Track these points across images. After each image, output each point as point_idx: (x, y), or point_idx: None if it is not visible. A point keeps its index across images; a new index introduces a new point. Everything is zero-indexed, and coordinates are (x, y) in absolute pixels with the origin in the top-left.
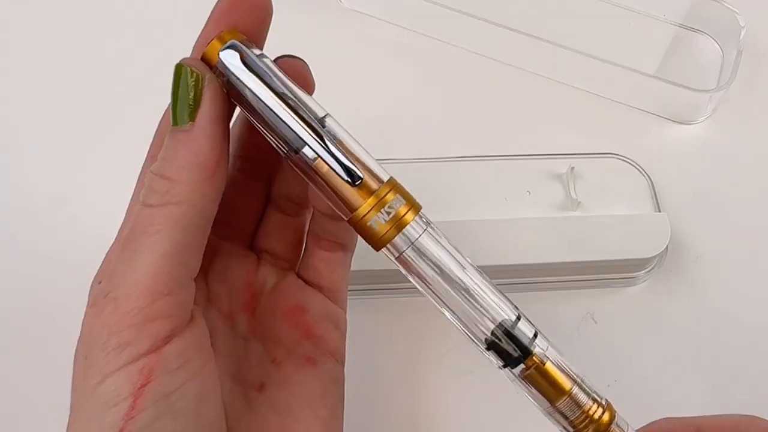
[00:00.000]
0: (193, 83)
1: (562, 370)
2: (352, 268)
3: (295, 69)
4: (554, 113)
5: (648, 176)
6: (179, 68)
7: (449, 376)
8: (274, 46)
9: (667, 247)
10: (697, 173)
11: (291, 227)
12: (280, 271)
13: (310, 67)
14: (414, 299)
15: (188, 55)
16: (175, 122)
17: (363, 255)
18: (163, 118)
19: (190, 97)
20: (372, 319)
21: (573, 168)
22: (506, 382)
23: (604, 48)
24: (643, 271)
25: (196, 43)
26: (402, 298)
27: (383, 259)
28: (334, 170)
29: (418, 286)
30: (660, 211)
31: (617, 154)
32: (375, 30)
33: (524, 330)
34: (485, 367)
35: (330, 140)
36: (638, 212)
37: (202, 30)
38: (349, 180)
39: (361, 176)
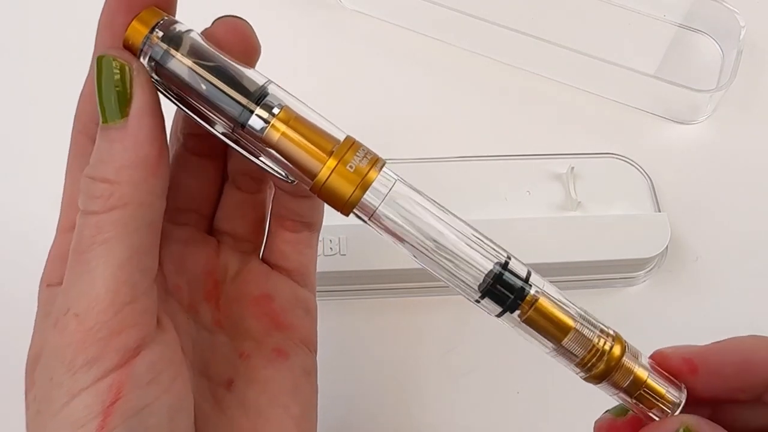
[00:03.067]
0: (119, 75)
1: (563, 306)
2: (350, 269)
3: (236, 30)
4: (555, 113)
5: (648, 176)
6: (101, 60)
7: (449, 376)
8: (275, 46)
9: (667, 247)
10: (697, 173)
11: (251, 205)
12: (243, 254)
13: (252, 27)
14: (414, 299)
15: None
16: (105, 120)
17: (362, 255)
18: (77, 115)
19: (119, 90)
20: (372, 319)
21: (573, 168)
22: (506, 381)
23: (604, 48)
24: (643, 271)
25: (100, 20)
26: (402, 298)
27: (382, 260)
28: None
29: (398, 245)
30: (660, 211)
31: (617, 154)
32: (375, 30)
33: (517, 270)
34: (485, 367)
35: (276, 105)
36: (638, 212)
37: (104, 7)
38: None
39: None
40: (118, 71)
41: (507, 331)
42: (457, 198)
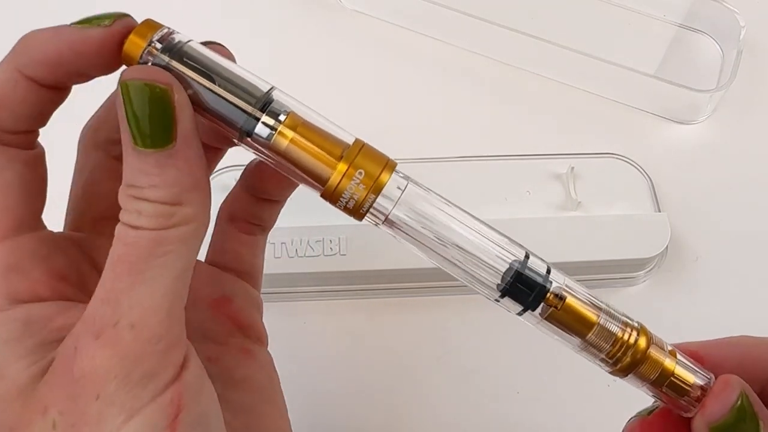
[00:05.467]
0: (159, 101)
1: (585, 301)
2: (350, 269)
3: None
4: (555, 113)
5: (648, 176)
6: (129, 87)
7: (449, 376)
8: (275, 45)
9: (667, 247)
10: (697, 173)
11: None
12: None
13: (230, 50)
14: (414, 299)
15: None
16: (147, 145)
17: (363, 256)
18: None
19: (160, 115)
20: (372, 319)
21: (573, 168)
22: (506, 381)
23: (604, 48)
24: (643, 271)
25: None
26: (402, 298)
27: (382, 260)
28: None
29: (413, 247)
30: (660, 211)
31: (617, 154)
32: (375, 30)
33: (536, 267)
34: (485, 367)
35: (282, 111)
36: (638, 212)
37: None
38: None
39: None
40: (158, 94)
41: (507, 331)
42: (457, 198)
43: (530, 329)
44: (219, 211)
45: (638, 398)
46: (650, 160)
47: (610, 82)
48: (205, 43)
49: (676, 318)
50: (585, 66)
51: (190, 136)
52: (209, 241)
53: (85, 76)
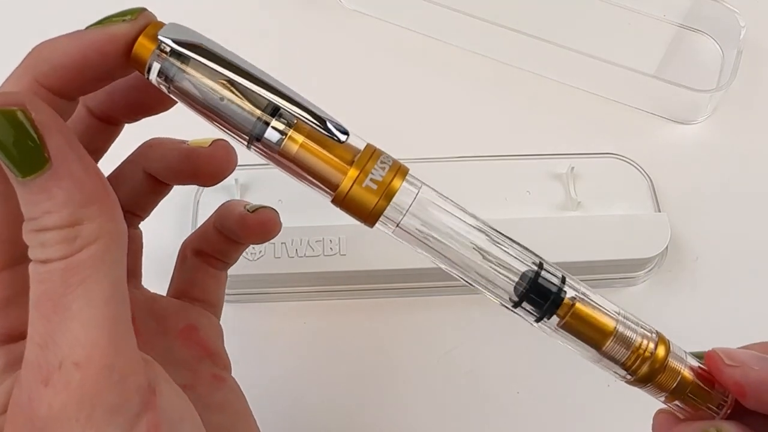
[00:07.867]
0: (14, 122)
1: (601, 309)
2: (350, 269)
3: (265, 217)
4: (554, 113)
5: (648, 176)
6: None
7: (449, 376)
8: (275, 45)
9: (667, 247)
10: (697, 173)
11: (131, 239)
12: (140, 289)
13: (279, 214)
14: (414, 299)
15: None
16: (26, 174)
17: (363, 256)
18: None
19: (26, 139)
20: (372, 319)
21: (573, 168)
22: (506, 381)
23: (603, 48)
24: (643, 271)
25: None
26: (402, 298)
27: (382, 260)
28: (313, 127)
29: (426, 255)
30: (660, 211)
31: (617, 154)
32: (375, 30)
33: (550, 276)
34: (485, 367)
35: (293, 115)
36: (638, 212)
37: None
38: (336, 137)
39: (347, 130)
40: (11, 121)
41: (507, 331)
42: (457, 198)
43: (530, 330)
44: (185, 245)
45: (637, 398)
46: (650, 160)
47: (610, 82)
48: (257, 208)
49: (676, 318)
50: (585, 66)
51: (66, 151)
52: (172, 273)
53: (106, 80)
